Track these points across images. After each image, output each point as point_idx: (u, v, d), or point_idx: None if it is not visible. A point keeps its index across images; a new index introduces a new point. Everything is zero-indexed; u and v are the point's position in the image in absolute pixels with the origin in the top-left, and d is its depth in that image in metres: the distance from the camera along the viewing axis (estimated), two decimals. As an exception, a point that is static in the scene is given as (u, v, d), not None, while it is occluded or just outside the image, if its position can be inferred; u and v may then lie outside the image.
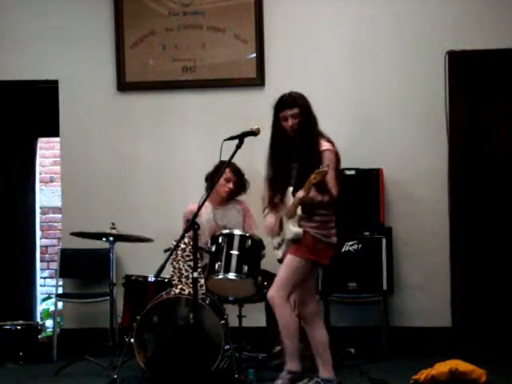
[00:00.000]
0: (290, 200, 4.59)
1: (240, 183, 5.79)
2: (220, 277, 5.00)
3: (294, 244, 4.60)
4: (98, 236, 5.55)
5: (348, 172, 6.07)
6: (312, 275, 4.76)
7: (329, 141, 4.66)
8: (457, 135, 6.26)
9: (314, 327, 4.70)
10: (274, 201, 4.70)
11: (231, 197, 5.83)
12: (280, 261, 4.73)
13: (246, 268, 4.98)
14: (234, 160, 4.49)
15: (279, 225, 4.70)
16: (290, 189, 4.59)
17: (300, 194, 4.45)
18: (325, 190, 4.51)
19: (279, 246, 4.74)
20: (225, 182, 5.72)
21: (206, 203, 5.71)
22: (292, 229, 4.57)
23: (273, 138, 4.73)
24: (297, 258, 4.58)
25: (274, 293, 4.62)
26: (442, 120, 6.24)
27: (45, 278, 8.11)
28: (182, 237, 4.43)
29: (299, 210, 4.55)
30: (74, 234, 5.68)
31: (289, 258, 4.62)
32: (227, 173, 5.64)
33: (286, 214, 4.62)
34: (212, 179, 5.61)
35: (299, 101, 4.65)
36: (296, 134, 4.62)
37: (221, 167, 5.27)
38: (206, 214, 5.72)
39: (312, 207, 4.55)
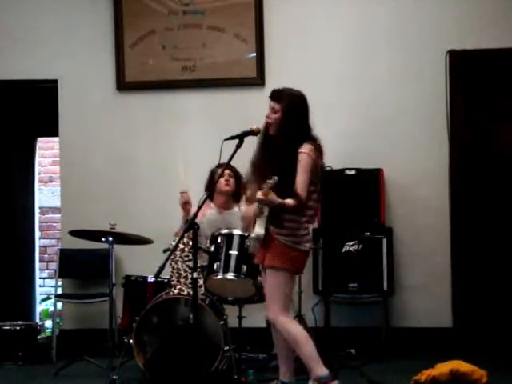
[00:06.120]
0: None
1: (239, 184, 5.74)
2: (219, 277, 4.99)
3: (269, 254, 4.39)
4: (97, 235, 5.52)
5: (349, 172, 6.08)
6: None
7: (312, 144, 4.34)
8: (458, 135, 6.25)
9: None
10: (247, 196, 4.51)
11: (235, 197, 5.78)
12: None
13: (244, 268, 4.95)
14: (233, 160, 4.46)
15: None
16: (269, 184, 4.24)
17: (259, 194, 4.22)
18: (291, 193, 4.23)
19: (250, 241, 4.54)
20: (225, 181, 5.68)
21: (212, 205, 5.71)
22: (256, 229, 4.37)
23: (262, 132, 4.46)
24: (278, 272, 4.37)
25: (272, 315, 4.42)
26: (443, 119, 6.22)
27: (44, 278, 8.08)
28: (182, 237, 4.41)
29: (266, 211, 4.33)
30: (72, 233, 5.65)
31: (269, 273, 4.42)
32: (226, 174, 5.59)
33: (255, 212, 4.41)
34: (210, 184, 5.56)
35: (286, 97, 4.36)
36: (274, 133, 4.39)
37: (215, 172, 5.27)
38: (210, 215, 5.69)
39: (277, 210, 4.30)
